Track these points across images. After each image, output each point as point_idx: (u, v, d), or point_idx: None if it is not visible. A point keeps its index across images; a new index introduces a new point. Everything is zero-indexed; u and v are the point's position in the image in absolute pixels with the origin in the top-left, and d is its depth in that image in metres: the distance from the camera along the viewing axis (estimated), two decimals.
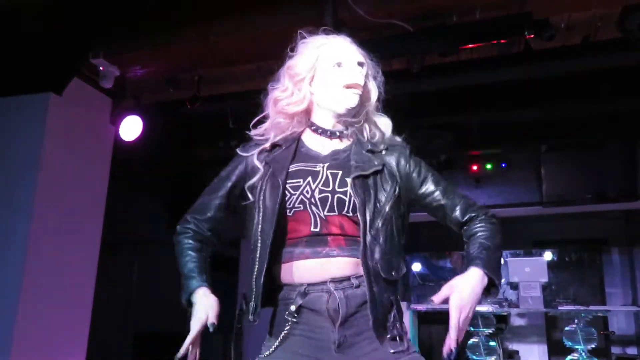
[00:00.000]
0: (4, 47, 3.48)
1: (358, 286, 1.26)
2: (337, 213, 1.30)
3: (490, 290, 1.25)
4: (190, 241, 1.48)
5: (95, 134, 3.84)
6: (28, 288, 3.20)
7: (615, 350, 6.29)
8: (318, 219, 1.30)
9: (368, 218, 1.28)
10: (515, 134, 4.86)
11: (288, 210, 1.32)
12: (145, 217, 6.28)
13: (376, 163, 1.35)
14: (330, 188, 1.31)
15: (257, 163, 1.40)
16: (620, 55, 3.40)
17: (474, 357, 5.27)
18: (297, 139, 1.44)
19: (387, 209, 1.32)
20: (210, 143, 5.06)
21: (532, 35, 3.05)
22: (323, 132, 1.43)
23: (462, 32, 3.14)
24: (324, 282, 1.26)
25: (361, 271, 1.25)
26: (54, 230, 3.39)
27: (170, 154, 5.33)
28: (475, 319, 5.44)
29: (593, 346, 4.81)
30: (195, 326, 1.31)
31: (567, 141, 5.24)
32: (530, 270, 5.41)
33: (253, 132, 1.48)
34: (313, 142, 1.43)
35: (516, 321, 6.33)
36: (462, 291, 1.20)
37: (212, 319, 1.32)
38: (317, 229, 1.30)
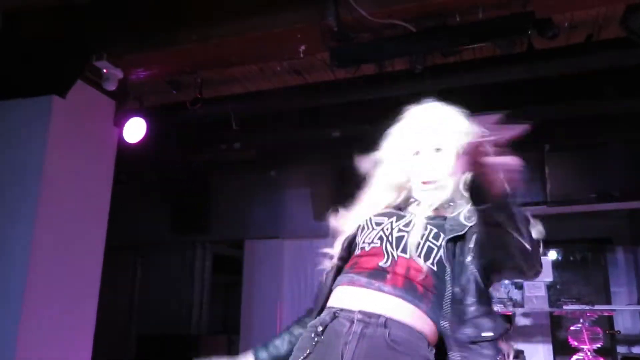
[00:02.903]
0: (7, 50, 3.49)
1: (384, 326, 1.19)
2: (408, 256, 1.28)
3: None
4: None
5: (99, 136, 3.84)
6: (32, 291, 3.20)
7: (621, 349, 6.26)
8: (390, 257, 1.30)
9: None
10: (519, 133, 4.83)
11: (367, 245, 1.35)
12: (148, 220, 6.29)
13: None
14: (408, 229, 1.31)
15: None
16: (624, 53, 3.39)
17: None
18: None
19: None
20: (213, 145, 5.07)
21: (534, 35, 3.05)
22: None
23: (464, 32, 3.13)
24: (352, 311, 1.23)
25: (403, 318, 1.20)
26: (57, 233, 3.40)
27: (173, 155, 5.34)
28: None
29: (598, 346, 4.80)
30: None
31: (571, 140, 5.22)
32: None
33: None
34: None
35: (521, 321, 6.31)
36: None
37: None
38: (385, 266, 1.28)
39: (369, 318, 1.20)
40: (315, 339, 1.24)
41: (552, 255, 6.67)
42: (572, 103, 4.18)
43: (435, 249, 1.28)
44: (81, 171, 3.61)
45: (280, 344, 1.44)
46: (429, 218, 1.34)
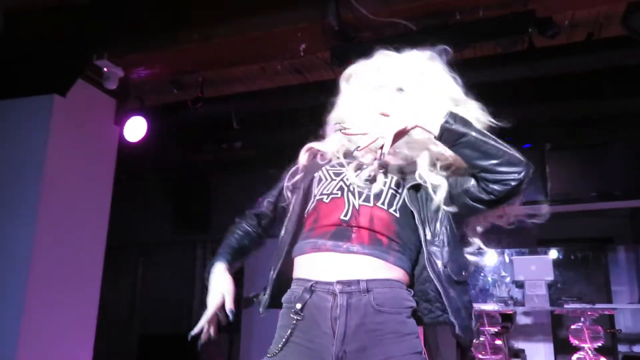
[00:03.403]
0: (8, 50, 3.49)
1: (367, 291, 1.20)
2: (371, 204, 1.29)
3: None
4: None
5: (100, 135, 3.85)
6: (33, 290, 3.21)
7: (622, 348, 6.26)
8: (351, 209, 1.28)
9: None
10: (520, 132, 4.84)
11: (326, 197, 1.33)
12: (149, 218, 6.30)
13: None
14: (370, 178, 1.32)
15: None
16: (624, 52, 3.39)
17: (480, 356, 5.25)
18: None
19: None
20: (214, 144, 5.07)
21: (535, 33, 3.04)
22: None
23: (465, 31, 3.13)
24: (331, 283, 1.21)
25: (379, 275, 1.22)
26: (58, 232, 3.40)
27: (174, 155, 5.34)
28: (481, 317, 5.43)
29: (599, 344, 4.79)
30: (211, 307, 1.35)
31: (571, 139, 5.21)
32: (535, 269, 5.39)
33: None
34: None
35: (522, 320, 6.30)
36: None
37: (229, 304, 1.35)
38: (347, 218, 1.27)
39: (349, 286, 1.20)
40: (296, 318, 1.23)
41: (553, 254, 6.67)
42: (573, 102, 4.17)
43: (398, 196, 1.30)
44: (82, 170, 3.61)
45: (237, 243, 1.50)
46: (390, 166, 1.35)
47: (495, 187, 1.24)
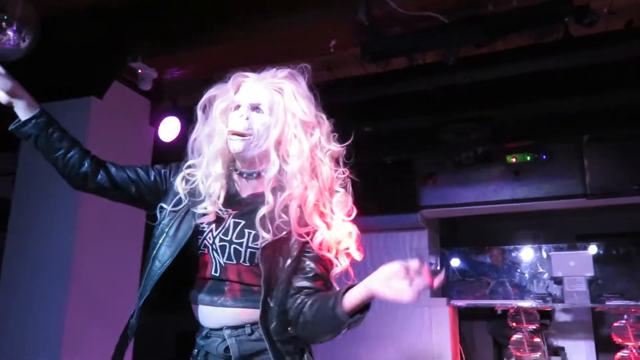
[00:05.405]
0: (47, 54, 3.60)
1: (251, 334, 1.29)
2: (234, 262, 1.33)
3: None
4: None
5: (136, 135, 3.92)
6: (74, 295, 3.28)
7: None
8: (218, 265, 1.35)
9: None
10: (556, 124, 4.72)
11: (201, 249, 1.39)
12: None
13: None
14: (228, 238, 1.34)
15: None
16: None
17: (518, 353, 5.16)
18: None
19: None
20: None
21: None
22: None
23: (498, 22, 3.07)
24: (220, 329, 1.32)
25: (256, 319, 1.26)
26: (97, 232, 3.48)
27: None
28: (518, 314, 5.33)
29: None
30: None
31: (610, 131, 5.06)
32: (575, 265, 5.26)
33: None
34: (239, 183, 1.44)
35: (561, 317, 6.16)
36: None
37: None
38: (218, 274, 1.35)
39: (235, 330, 1.31)
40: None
41: (593, 249, 6.49)
42: (612, 92, 4.04)
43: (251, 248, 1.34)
44: None
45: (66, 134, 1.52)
46: (242, 212, 1.37)
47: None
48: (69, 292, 3.25)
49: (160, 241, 1.42)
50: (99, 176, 1.50)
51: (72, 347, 3.22)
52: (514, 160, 5.50)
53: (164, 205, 1.46)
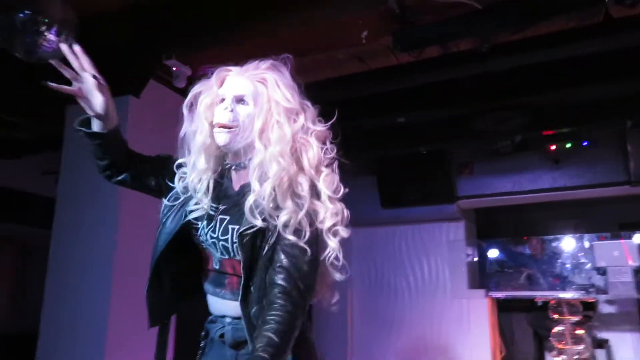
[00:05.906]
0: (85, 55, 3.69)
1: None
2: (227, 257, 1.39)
3: None
4: None
5: (172, 133, 3.97)
6: (117, 290, 3.34)
7: None
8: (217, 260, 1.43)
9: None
10: (597, 110, 4.58)
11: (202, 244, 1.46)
12: None
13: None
14: (216, 235, 1.40)
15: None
16: None
17: (560, 346, 5.06)
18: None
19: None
20: None
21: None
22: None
23: (534, 6, 2.99)
24: (223, 317, 1.43)
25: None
26: (137, 229, 3.52)
27: None
28: (560, 306, 5.21)
29: None
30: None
31: None
32: (619, 254, 5.10)
33: None
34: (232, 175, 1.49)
35: (605, 308, 5.98)
36: None
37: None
38: (218, 267, 1.43)
39: (234, 320, 1.39)
40: (202, 343, 1.51)
41: (638, 238, 6.28)
42: None
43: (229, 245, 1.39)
44: None
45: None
46: (228, 207, 1.40)
47: None
48: (112, 288, 3.33)
49: (158, 230, 1.56)
50: (133, 182, 1.68)
51: (115, 343, 3.29)
52: (553, 147, 5.36)
53: (164, 200, 1.56)
